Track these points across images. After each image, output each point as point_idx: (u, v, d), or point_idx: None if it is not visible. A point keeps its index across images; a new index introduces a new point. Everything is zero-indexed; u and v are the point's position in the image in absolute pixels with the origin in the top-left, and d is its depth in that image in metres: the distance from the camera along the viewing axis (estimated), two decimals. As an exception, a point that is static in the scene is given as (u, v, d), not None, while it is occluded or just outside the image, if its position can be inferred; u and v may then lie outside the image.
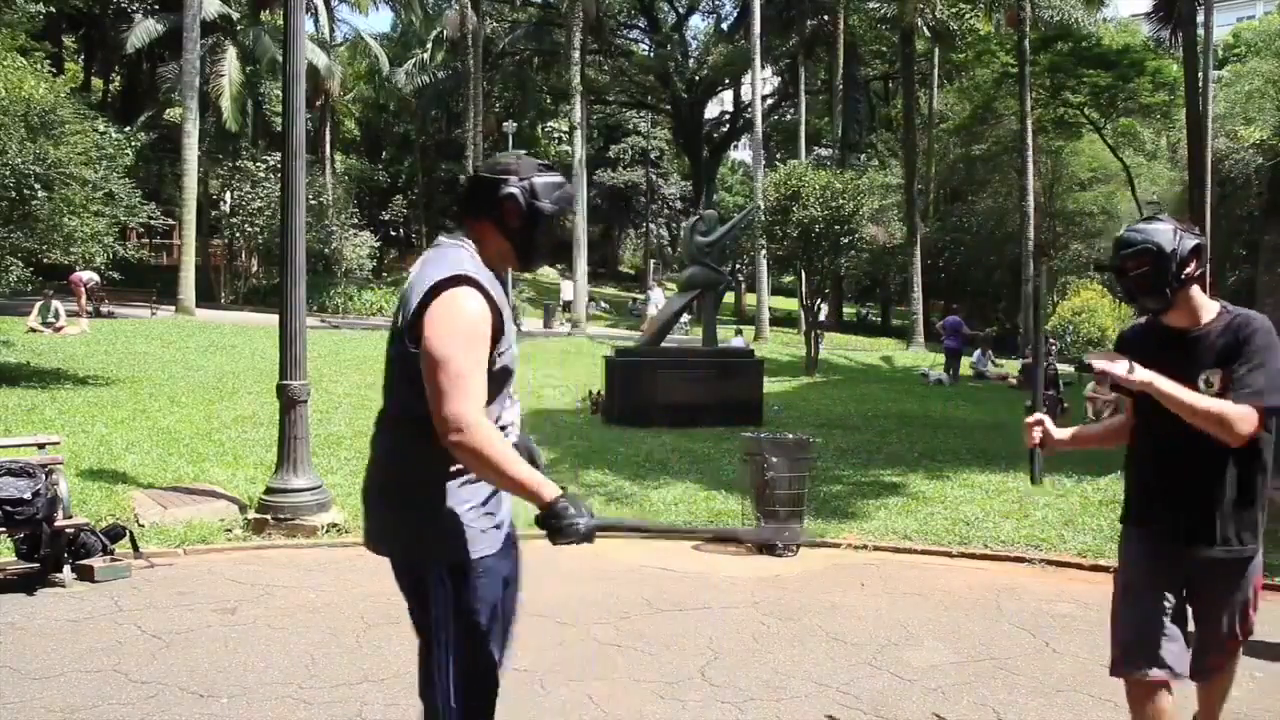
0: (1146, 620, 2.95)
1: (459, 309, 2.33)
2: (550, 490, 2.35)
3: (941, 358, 22.43)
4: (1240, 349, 2.83)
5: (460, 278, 2.36)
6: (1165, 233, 2.90)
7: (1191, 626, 3.09)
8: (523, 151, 3.08)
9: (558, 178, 2.61)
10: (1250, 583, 3.03)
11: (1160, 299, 2.92)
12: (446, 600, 2.49)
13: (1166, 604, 2.97)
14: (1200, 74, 21.69)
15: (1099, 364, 2.93)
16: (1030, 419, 3.20)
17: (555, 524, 2.35)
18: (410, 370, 2.33)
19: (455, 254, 2.47)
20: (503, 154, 2.80)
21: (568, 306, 34.03)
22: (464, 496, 2.48)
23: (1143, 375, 2.80)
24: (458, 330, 2.31)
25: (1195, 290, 2.94)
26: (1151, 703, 2.95)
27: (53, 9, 16.41)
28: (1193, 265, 2.90)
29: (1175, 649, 2.94)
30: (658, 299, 28.85)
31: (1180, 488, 2.95)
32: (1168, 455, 2.97)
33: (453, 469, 2.42)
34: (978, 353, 22.61)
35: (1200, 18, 23.30)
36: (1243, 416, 2.75)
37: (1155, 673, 2.91)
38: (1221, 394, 2.80)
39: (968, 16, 35.40)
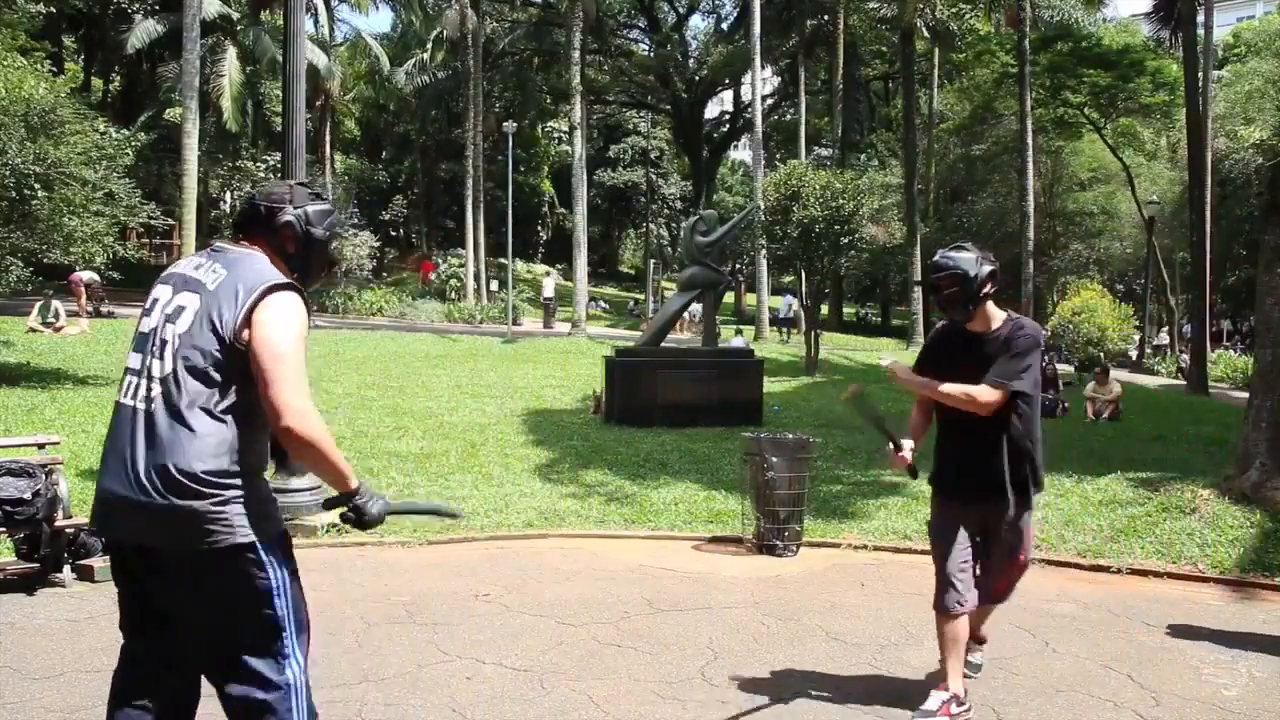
0: (959, 568, 3.89)
1: (295, 309, 2.56)
2: (355, 479, 2.63)
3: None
4: (1008, 346, 3.77)
5: (289, 284, 2.60)
6: (970, 260, 3.76)
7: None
8: (294, 182, 3.48)
9: (327, 205, 2.89)
10: (1025, 529, 4.03)
11: (964, 312, 3.82)
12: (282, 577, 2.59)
13: (968, 552, 3.93)
14: (1200, 74, 21.72)
15: (888, 365, 4.05)
16: (898, 456, 4.16)
17: (361, 504, 2.62)
18: (224, 361, 2.48)
19: (261, 262, 2.64)
20: (276, 183, 3.01)
21: (549, 306, 34.39)
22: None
23: (911, 379, 3.93)
24: (294, 329, 2.52)
25: (989, 304, 3.85)
26: (957, 626, 3.87)
27: (53, 9, 16.43)
28: (989, 286, 3.79)
29: (971, 588, 3.90)
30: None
31: (974, 460, 3.89)
32: (964, 437, 3.91)
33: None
34: None
35: (1200, 18, 23.35)
36: (982, 392, 3.72)
37: (961, 608, 3.84)
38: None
39: (967, 16, 35.41)
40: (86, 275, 19.85)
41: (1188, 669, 4.54)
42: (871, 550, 6.89)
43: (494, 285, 36.68)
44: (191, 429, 2.44)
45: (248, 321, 2.48)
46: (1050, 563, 6.55)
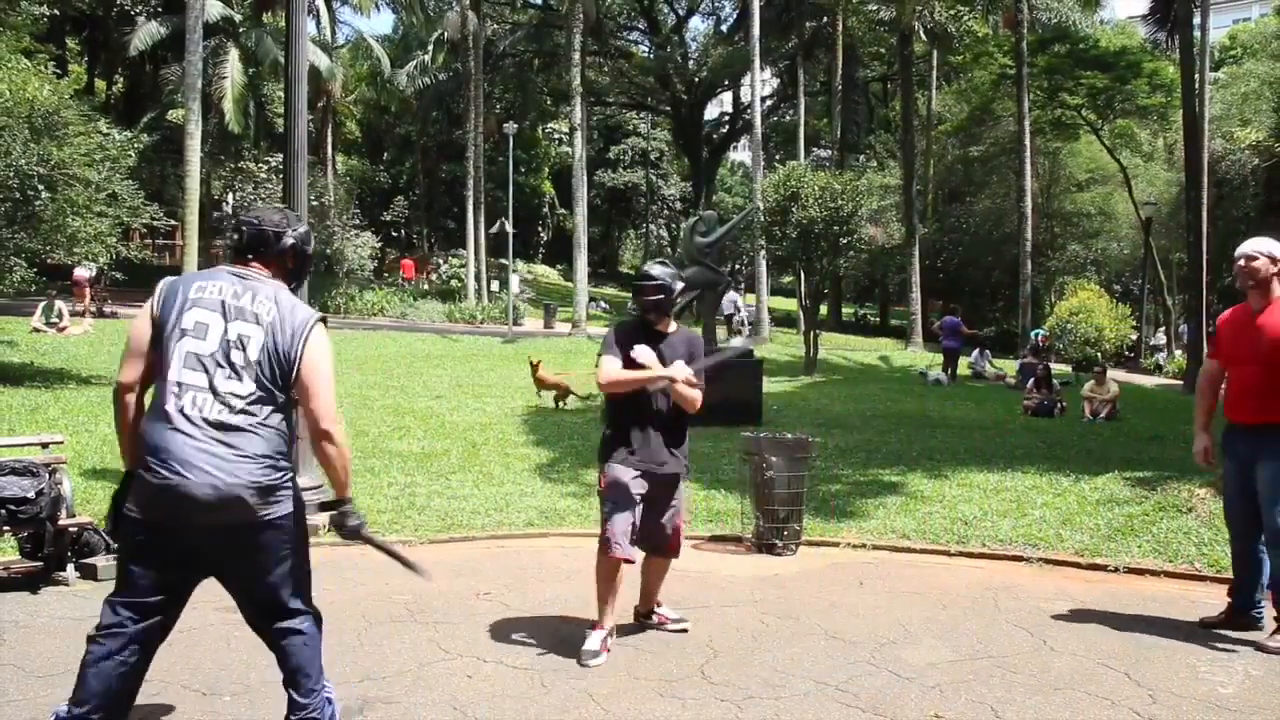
0: (627, 521, 4.57)
1: (328, 340, 3.30)
2: (349, 491, 3.39)
3: (939, 357, 22.47)
4: (695, 350, 4.80)
5: (323, 317, 3.32)
6: (669, 275, 4.83)
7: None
8: (282, 206, 4.55)
9: (307, 227, 3.56)
10: (682, 492, 4.89)
11: (662, 315, 4.83)
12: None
13: (638, 511, 4.62)
14: (1197, 76, 21.72)
15: (642, 355, 4.65)
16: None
17: (346, 511, 3.36)
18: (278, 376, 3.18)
19: (290, 294, 3.30)
20: (271, 207, 3.56)
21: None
22: None
23: (664, 370, 4.64)
24: (330, 356, 3.29)
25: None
26: (616, 573, 4.60)
27: (56, 11, 16.43)
28: (679, 297, 4.95)
29: (630, 542, 4.60)
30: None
31: (654, 431, 4.71)
32: (647, 412, 4.71)
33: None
34: (975, 352, 22.65)
35: (1197, 20, 23.35)
36: (700, 396, 4.67)
37: (625, 557, 4.57)
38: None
39: (965, 19, 35.46)
40: (84, 271, 19.89)
41: (1184, 667, 4.57)
42: (870, 549, 6.92)
43: (495, 285, 36.72)
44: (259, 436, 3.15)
45: (301, 352, 3.17)
46: (1048, 561, 6.59)
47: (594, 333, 28.78)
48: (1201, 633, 5.05)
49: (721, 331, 23.31)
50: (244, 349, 3.12)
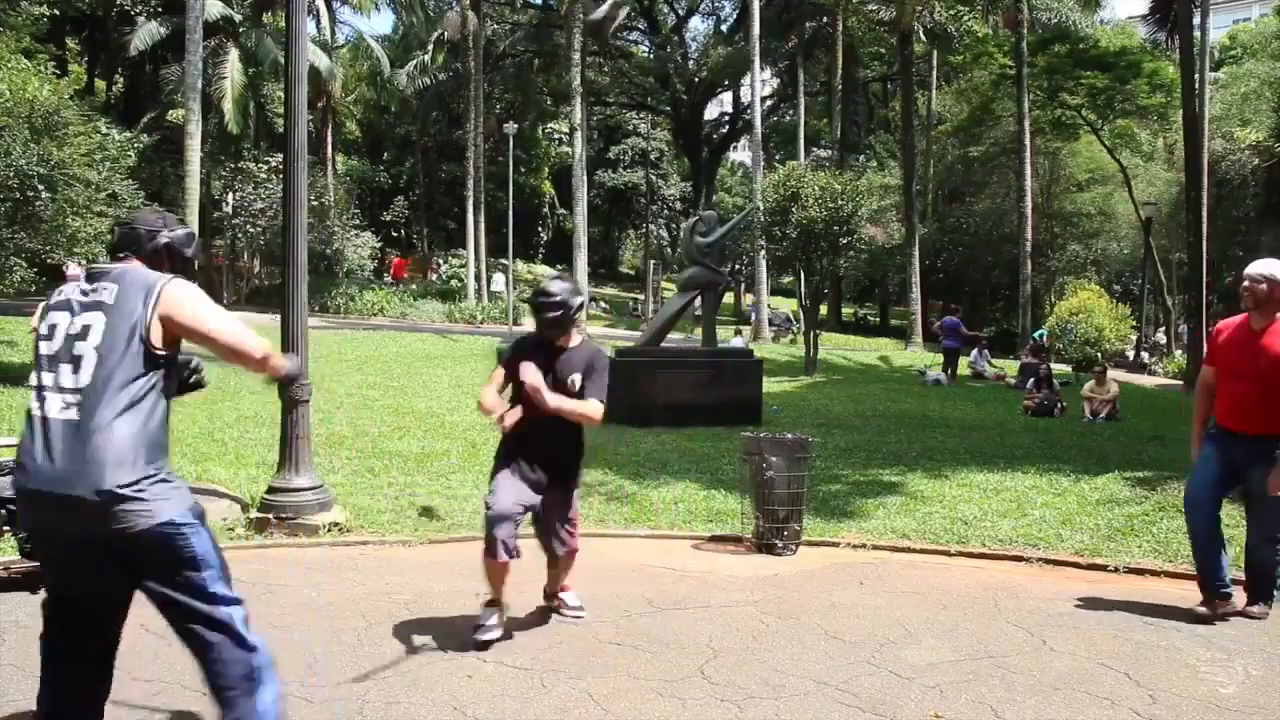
0: (512, 525, 4.72)
1: (193, 291, 3.07)
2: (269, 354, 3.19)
3: (939, 357, 22.46)
4: (594, 364, 4.82)
5: (180, 279, 3.10)
6: (567, 291, 4.80)
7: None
8: (158, 206, 4.03)
9: (190, 229, 3.35)
10: (575, 501, 5.05)
11: (562, 332, 4.83)
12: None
13: (521, 515, 4.79)
14: (1197, 76, 21.71)
15: (528, 374, 4.62)
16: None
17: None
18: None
19: (141, 270, 3.09)
20: (151, 210, 3.63)
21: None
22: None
23: (551, 401, 4.61)
24: (204, 301, 3.09)
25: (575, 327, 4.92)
26: (505, 574, 4.79)
27: (57, 11, 16.44)
28: (580, 312, 4.91)
29: (516, 542, 4.74)
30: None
31: (543, 445, 4.80)
32: (541, 428, 4.73)
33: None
34: (975, 352, 22.65)
35: (1197, 20, 23.35)
36: (599, 409, 4.75)
37: (508, 557, 4.71)
38: (581, 391, 4.75)
39: (965, 19, 35.46)
40: (77, 270, 19.90)
41: (1185, 667, 4.57)
42: (870, 549, 6.91)
43: (495, 285, 36.74)
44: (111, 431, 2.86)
45: (152, 313, 2.95)
46: (1048, 561, 6.59)
47: (594, 333, 28.79)
48: (1202, 632, 5.05)
49: (725, 331, 23.33)
50: (86, 338, 2.98)
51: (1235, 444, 5.18)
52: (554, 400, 4.63)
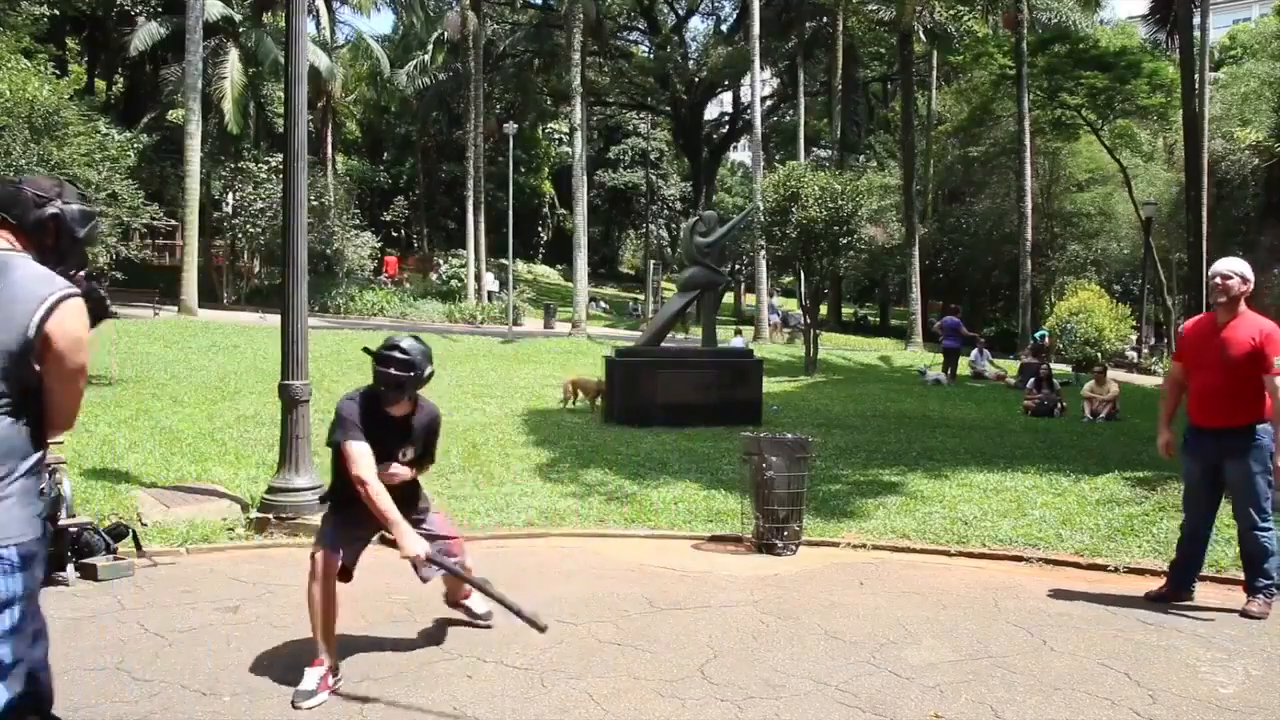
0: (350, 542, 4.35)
1: (82, 322, 2.64)
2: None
3: (939, 357, 22.46)
4: (432, 432, 4.47)
5: (80, 293, 2.64)
6: (421, 354, 4.22)
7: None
8: (59, 178, 3.45)
9: (91, 209, 2.86)
10: (443, 521, 4.76)
11: (401, 397, 4.26)
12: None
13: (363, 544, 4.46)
14: (1197, 76, 21.72)
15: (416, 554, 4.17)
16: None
17: None
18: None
19: (31, 265, 2.60)
20: (48, 176, 3.01)
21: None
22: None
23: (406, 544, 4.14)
24: (84, 341, 2.65)
25: (422, 392, 4.38)
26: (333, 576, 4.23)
27: (57, 11, 16.45)
28: (427, 384, 4.34)
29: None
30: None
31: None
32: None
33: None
34: (975, 352, 22.65)
35: (1197, 20, 23.35)
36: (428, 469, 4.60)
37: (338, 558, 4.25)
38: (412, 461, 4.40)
39: (965, 19, 35.47)
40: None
41: (1185, 667, 4.57)
42: (870, 549, 6.91)
43: (495, 285, 36.75)
44: None
45: (37, 335, 2.50)
46: (1048, 561, 6.58)
47: (594, 333, 28.82)
48: (1202, 632, 5.05)
49: (726, 332, 23.34)
50: None
51: (1208, 441, 5.43)
52: (411, 548, 4.14)
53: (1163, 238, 34.68)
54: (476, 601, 4.94)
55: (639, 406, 12.26)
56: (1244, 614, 5.30)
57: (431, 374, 4.29)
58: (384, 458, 4.21)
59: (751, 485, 6.92)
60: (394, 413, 4.27)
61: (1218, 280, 5.41)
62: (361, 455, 4.09)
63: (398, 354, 4.17)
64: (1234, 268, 5.41)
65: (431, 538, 4.43)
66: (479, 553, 6.67)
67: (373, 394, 4.26)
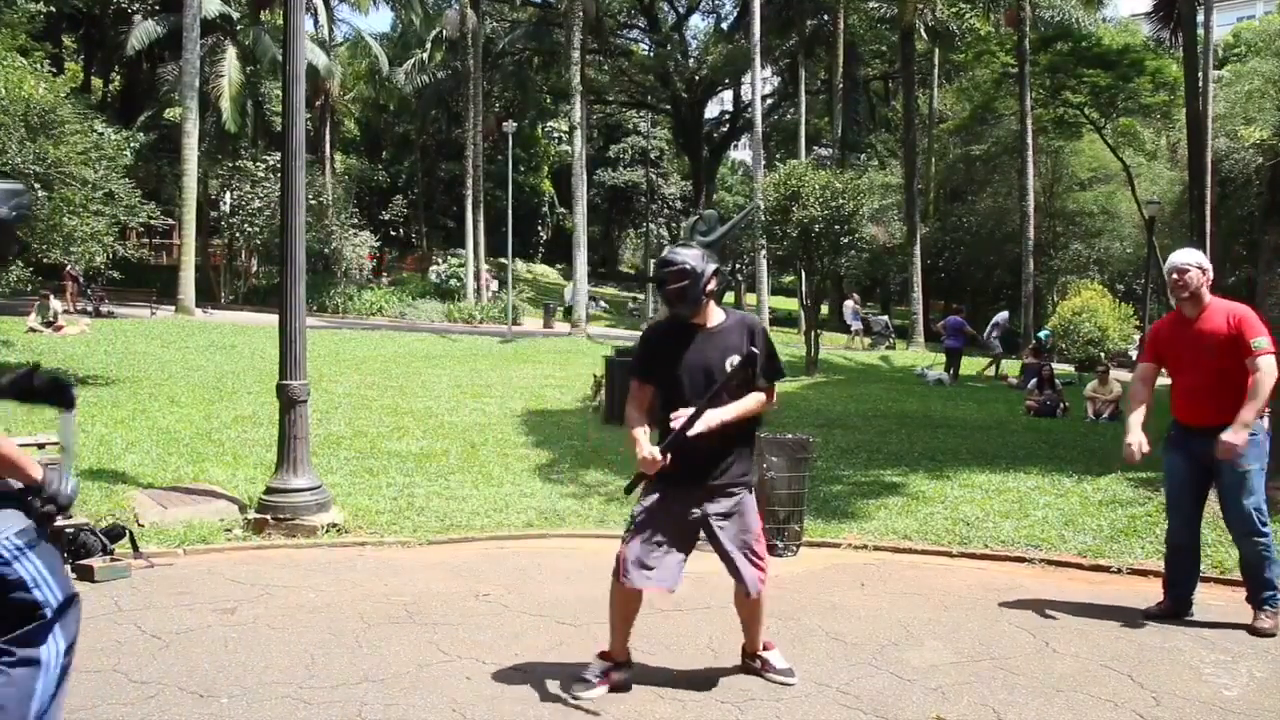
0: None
1: None
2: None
3: (941, 357, 22.42)
4: (754, 338, 4.01)
5: None
6: (695, 257, 3.96)
7: None
8: None
9: (17, 186, 2.70)
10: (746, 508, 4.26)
11: (694, 307, 3.99)
12: None
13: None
14: (1200, 74, 21.66)
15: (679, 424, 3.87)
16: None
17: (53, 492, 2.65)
18: None
19: None
20: None
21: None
22: None
23: (701, 424, 3.85)
24: None
25: (712, 302, 4.06)
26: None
27: (53, 9, 16.43)
28: (713, 282, 4.00)
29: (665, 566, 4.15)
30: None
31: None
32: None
33: None
34: (993, 334, 22.64)
35: (1200, 18, 23.30)
36: (766, 393, 4.05)
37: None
38: (739, 375, 3.94)
39: (967, 16, 35.43)
40: (73, 268, 19.92)
41: (1188, 669, 4.54)
42: (871, 550, 6.88)
43: (494, 285, 36.70)
44: None
45: None
46: (1050, 562, 6.55)
47: (594, 332, 28.77)
48: (1205, 634, 5.02)
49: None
50: None
51: (1196, 440, 5.09)
52: (717, 416, 3.89)
53: (1166, 237, 34.61)
54: (778, 656, 4.35)
55: (639, 406, 12.20)
56: (1252, 631, 5.00)
57: (716, 272, 4.02)
58: (705, 378, 3.95)
59: (752, 485, 6.88)
60: (698, 322, 4.04)
61: (1174, 276, 5.10)
62: (635, 400, 4.08)
63: (668, 266, 3.95)
64: (1189, 259, 5.12)
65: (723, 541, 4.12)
66: (478, 553, 6.65)
67: (670, 319, 4.09)
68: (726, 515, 4.11)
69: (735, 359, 3.94)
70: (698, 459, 3.97)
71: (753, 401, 4.00)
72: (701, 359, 3.99)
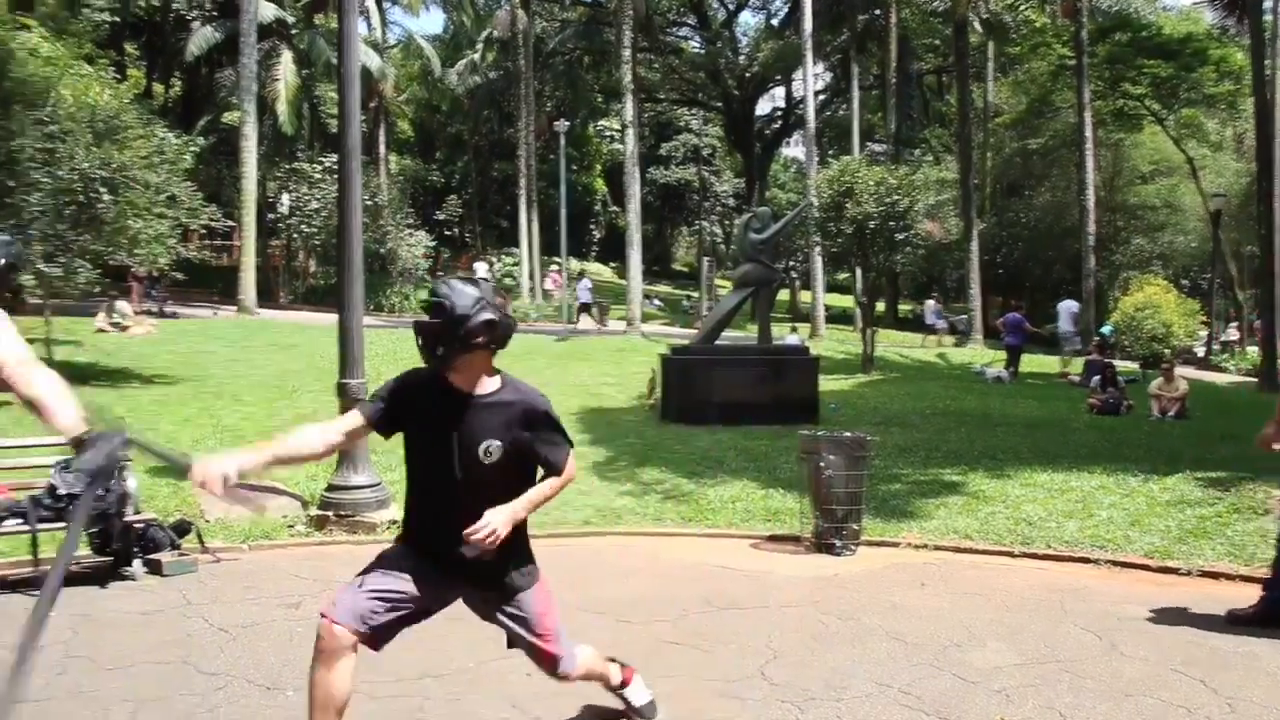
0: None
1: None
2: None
3: (999, 354, 22.06)
4: (529, 424, 3.23)
5: None
6: (465, 296, 2.99)
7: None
8: None
9: (5, 235, 2.80)
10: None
11: (445, 360, 3.05)
12: None
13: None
14: (1268, 62, 21.08)
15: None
16: None
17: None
18: None
19: None
20: None
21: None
22: None
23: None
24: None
25: (483, 363, 3.11)
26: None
27: (117, 18, 16.82)
28: (483, 336, 3.01)
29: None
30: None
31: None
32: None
33: None
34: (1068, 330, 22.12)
35: (1268, 3, 22.67)
36: (563, 475, 3.49)
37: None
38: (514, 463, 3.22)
39: (1022, 8, 34.80)
40: (140, 271, 20.37)
41: (1265, 675, 4.41)
42: (932, 550, 6.80)
43: (551, 285, 36.86)
44: None
45: None
46: (1116, 563, 6.41)
47: (648, 330, 28.77)
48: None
49: (781, 328, 23.17)
50: None
51: None
52: (504, 517, 3.16)
53: (1233, 230, 33.73)
54: (638, 690, 3.83)
55: (694, 404, 12.19)
56: None
57: (490, 324, 2.99)
58: (445, 447, 3.10)
59: (809, 484, 6.84)
60: (456, 384, 3.08)
61: None
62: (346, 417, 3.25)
63: (425, 301, 3.06)
64: None
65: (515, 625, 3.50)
66: (536, 551, 6.65)
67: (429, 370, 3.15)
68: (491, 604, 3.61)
69: (495, 446, 3.10)
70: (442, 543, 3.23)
71: (547, 488, 3.34)
72: (458, 434, 3.10)
